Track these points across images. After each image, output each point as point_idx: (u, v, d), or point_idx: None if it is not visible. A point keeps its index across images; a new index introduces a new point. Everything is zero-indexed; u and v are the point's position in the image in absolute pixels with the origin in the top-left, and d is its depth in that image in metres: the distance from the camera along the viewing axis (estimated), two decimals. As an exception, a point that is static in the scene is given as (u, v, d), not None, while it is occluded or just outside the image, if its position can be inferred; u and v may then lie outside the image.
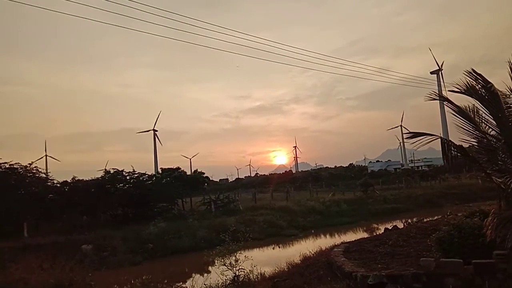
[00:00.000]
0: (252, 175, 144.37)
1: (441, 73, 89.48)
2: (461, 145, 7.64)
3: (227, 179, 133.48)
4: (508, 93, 7.85)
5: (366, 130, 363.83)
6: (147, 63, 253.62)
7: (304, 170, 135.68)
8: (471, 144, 8.12)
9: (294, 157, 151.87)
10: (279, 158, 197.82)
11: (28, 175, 24.76)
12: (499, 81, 7.98)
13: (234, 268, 10.38)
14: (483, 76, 7.37)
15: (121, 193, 26.11)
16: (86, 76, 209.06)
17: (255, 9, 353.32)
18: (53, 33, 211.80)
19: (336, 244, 13.60)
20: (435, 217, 20.95)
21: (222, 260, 10.58)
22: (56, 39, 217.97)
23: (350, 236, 21.11)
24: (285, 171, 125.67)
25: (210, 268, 16.65)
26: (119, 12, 34.37)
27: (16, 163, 24.17)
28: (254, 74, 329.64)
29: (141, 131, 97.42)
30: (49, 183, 26.06)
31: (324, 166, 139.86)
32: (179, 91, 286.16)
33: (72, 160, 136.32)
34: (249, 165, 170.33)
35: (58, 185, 26.38)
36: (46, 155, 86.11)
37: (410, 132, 8.19)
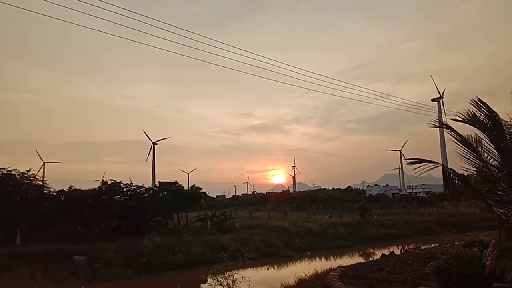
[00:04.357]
0: (249, 192, 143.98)
1: (442, 101, 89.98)
2: (463, 174, 7.64)
3: (224, 195, 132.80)
4: (511, 123, 7.88)
5: (365, 153, 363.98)
6: (153, 77, 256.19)
7: (301, 190, 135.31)
8: (471, 173, 8.11)
9: (292, 177, 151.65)
10: (277, 177, 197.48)
11: (25, 182, 24.59)
12: (501, 111, 8.03)
13: (231, 289, 10.18)
14: (488, 105, 7.41)
15: (117, 204, 25.85)
16: (92, 86, 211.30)
17: (262, 30, 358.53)
18: (62, 42, 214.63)
19: (332, 267, 13.45)
20: (433, 245, 20.86)
21: (219, 280, 10.37)
22: (65, 48, 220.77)
23: (346, 260, 20.89)
24: (283, 191, 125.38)
25: (203, 286, 16.46)
26: (128, 25, 34.63)
27: (14, 169, 24.07)
28: (257, 92, 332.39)
29: (146, 133, 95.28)
30: (45, 191, 25.82)
31: (322, 187, 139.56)
32: (182, 106, 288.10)
33: (71, 169, 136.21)
34: (247, 182, 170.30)
35: (55, 193, 26.16)
36: (44, 163, 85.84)
37: (411, 158, 8.16)
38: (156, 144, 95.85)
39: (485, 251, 7.30)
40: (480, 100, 7.48)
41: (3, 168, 23.67)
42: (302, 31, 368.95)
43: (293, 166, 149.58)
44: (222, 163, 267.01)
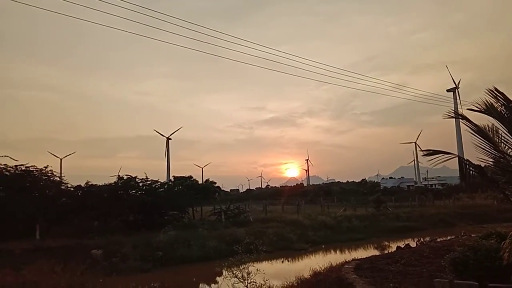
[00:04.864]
0: (263, 186, 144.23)
1: (458, 91, 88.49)
2: (480, 165, 7.52)
3: (238, 189, 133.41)
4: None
5: (379, 146, 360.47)
6: (165, 72, 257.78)
7: (315, 183, 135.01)
8: (488, 164, 7.97)
9: (306, 170, 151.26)
10: (291, 170, 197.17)
11: (43, 178, 25.07)
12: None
13: (246, 281, 10.24)
14: (505, 95, 7.24)
15: (133, 199, 26.21)
16: (105, 82, 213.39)
17: (272, 24, 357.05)
18: (74, 40, 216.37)
19: (347, 260, 13.43)
20: (449, 237, 20.62)
21: (234, 273, 10.44)
22: (77, 45, 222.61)
23: (361, 253, 20.84)
24: (296, 184, 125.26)
25: (218, 278, 16.61)
26: (139, 21, 34.80)
27: (32, 166, 24.56)
28: (269, 86, 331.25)
29: (158, 131, 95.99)
30: (63, 187, 26.28)
31: (336, 180, 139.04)
32: (195, 101, 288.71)
33: (87, 165, 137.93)
34: (261, 176, 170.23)
35: (72, 189, 26.59)
36: (61, 159, 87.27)
37: (427, 150, 8.05)
38: (170, 139, 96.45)
39: (502, 243, 7.17)
40: (497, 90, 7.31)
41: (22, 165, 24.18)
42: (312, 23, 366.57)
43: (307, 160, 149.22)
44: (235, 157, 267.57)
